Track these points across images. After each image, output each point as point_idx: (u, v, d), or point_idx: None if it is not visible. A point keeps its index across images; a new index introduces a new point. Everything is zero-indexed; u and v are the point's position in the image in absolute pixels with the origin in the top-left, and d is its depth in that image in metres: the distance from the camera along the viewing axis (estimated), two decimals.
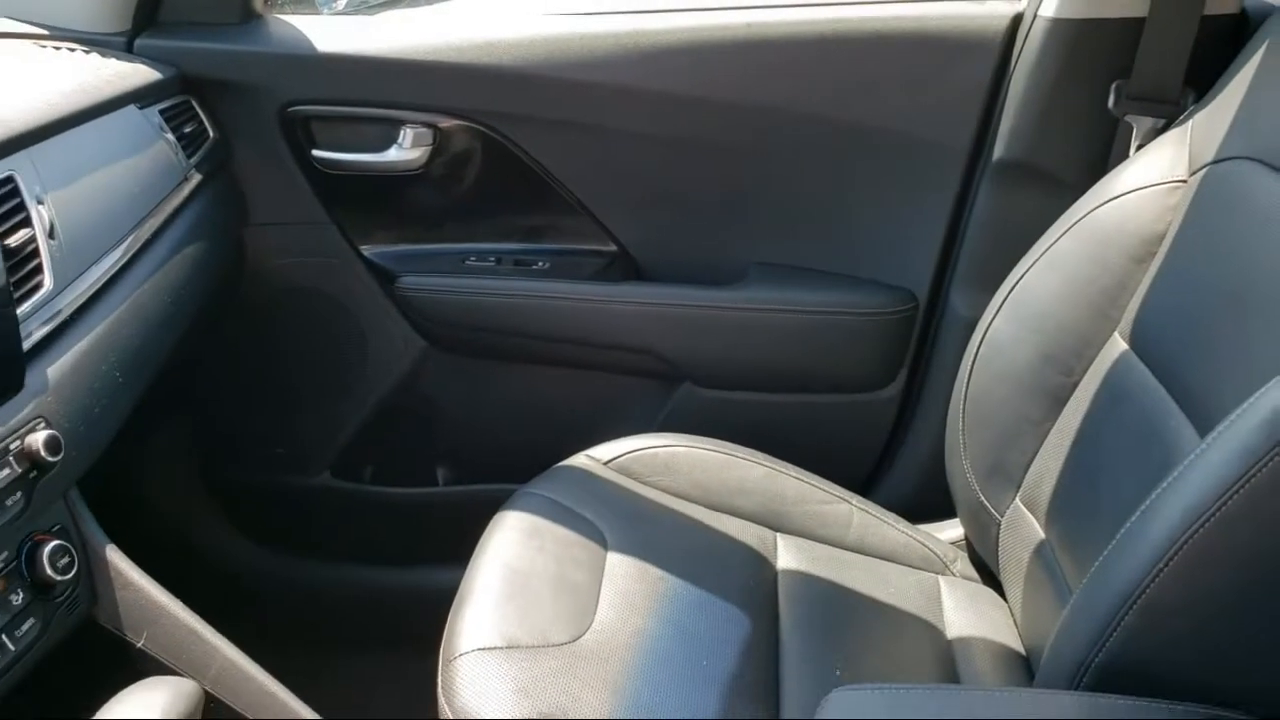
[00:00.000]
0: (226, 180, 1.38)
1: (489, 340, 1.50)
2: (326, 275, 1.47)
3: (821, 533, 1.21)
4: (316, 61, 1.36)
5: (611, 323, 1.46)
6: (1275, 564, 0.68)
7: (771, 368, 1.46)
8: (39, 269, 0.90)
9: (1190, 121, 1.08)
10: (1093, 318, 1.06)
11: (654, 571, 1.08)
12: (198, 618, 0.92)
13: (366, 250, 1.48)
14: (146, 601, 0.90)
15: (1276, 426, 0.66)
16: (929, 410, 1.42)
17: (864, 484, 1.47)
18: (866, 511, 1.24)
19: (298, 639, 1.13)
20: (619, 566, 1.08)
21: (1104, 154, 1.25)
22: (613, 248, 1.49)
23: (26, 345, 0.85)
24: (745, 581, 1.10)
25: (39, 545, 0.82)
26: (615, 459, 1.23)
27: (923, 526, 1.28)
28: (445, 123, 1.40)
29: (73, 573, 0.83)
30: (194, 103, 1.33)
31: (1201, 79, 1.14)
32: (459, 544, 1.15)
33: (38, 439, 0.80)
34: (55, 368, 0.87)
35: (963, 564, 1.23)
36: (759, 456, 1.26)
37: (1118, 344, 1.04)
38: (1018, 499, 1.11)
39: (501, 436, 1.57)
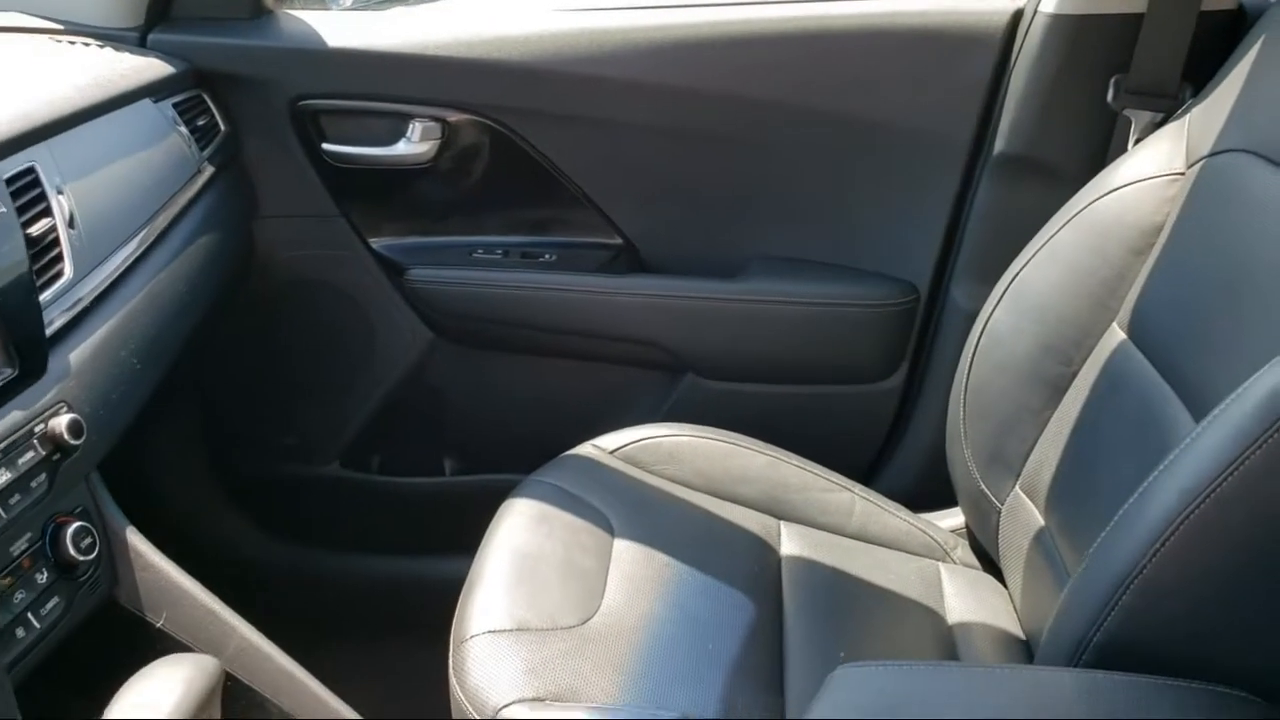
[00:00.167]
0: (237, 173, 1.40)
1: (496, 332, 1.51)
2: (335, 267, 1.49)
3: (824, 520, 1.22)
4: (327, 56, 1.37)
5: (617, 315, 1.47)
6: (1269, 545, 0.69)
7: (774, 359, 1.47)
8: (59, 258, 0.92)
9: (1188, 115, 1.09)
10: (1092, 308, 1.08)
11: (660, 557, 1.09)
12: (215, 598, 0.94)
13: (375, 243, 1.49)
14: (166, 582, 0.92)
15: (1270, 410, 0.67)
16: (930, 401, 1.43)
17: (866, 473, 1.49)
18: (868, 500, 1.26)
19: (307, 627, 1.15)
20: (625, 552, 1.10)
21: (1103, 147, 1.26)
22: (618, 241, 1.50)
23: (48, 332, 0.87)
24: (749, 567, 1.11)
25: (62, 527, 0.84)
26: (621, 448, 1.24)
27: (924, 515, 1.29)
28: (453, 117, 1.41)
29: (94, 553, 0.85)
30: (206, 96, 1.35)
31: (1199, 73, 1.15)
32: (466, 533, 1.16)
33: (61, 423, 0.82)
34: (76, 354, 0.89)
35: (963, 551, 1.25)
36: (762, 446, 1.27)
37: (1116, 334, 1.05)
38: (1017, 487, 1.12)
39: (508, 427, 1.58)
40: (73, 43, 1.24)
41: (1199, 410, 0.89)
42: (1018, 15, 1.31)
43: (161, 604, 0.91)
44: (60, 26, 1.28)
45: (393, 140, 1.42)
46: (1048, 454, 1.08)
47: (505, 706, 0.91)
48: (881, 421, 1.50)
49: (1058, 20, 1.25)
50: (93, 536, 0.85)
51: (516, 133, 1.42)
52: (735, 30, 1.35)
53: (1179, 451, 0.74)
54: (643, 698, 0.93)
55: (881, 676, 0.75)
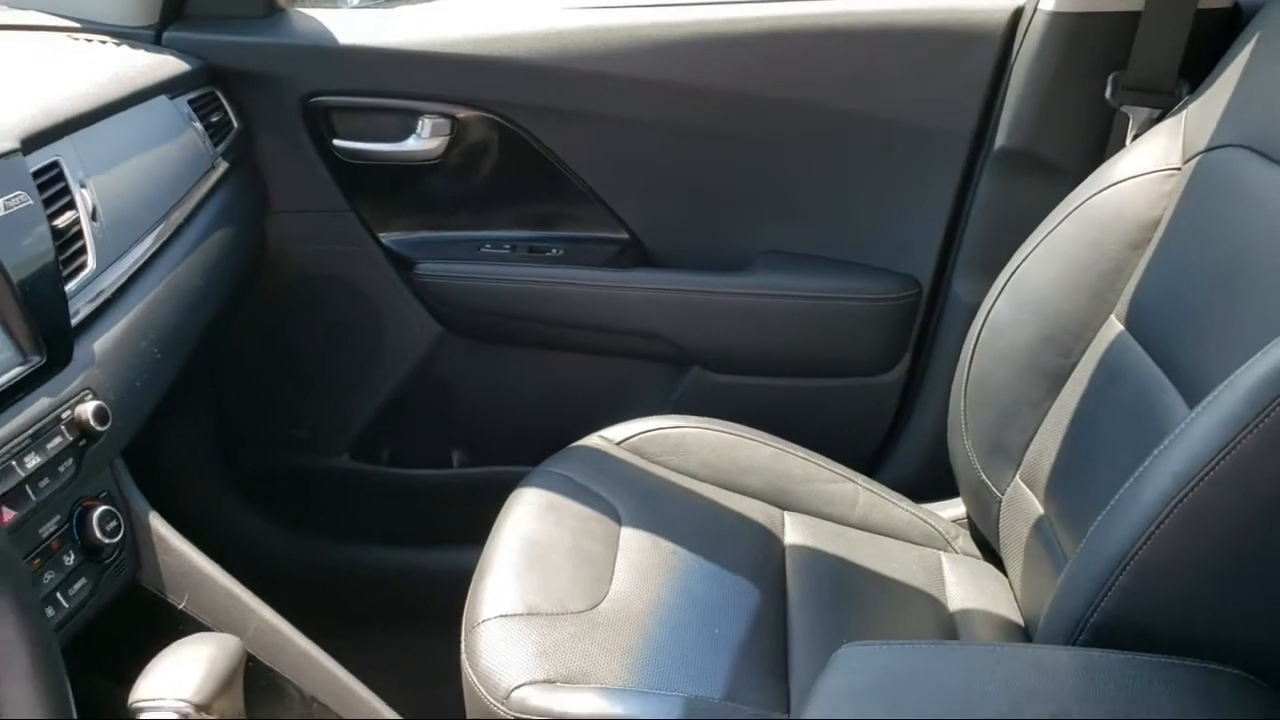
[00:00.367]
0: (250, 169, 1.42)
1: (504, 325, 1.53)
2: (345, 262, 1.51)
3: (827, 510, 1.23)
4: (338, 54, 1.39)
5: (623, 308, 1.49)
6: (1262, 526, 0.70)
7: (779, 352, 1.49)
8: (83, 250, 0.94)
9: (1184, 111, 1.11)
10: (1090, 301, 1.09)
11: (666, 545, 1.11)
12: (236, 581, 0.96)
13: (385, 238, 1.51)
14: (187, 565, 0.94)
15: (1261, 395, 0.69)
16: (932, 393, 1.44)
17: (869, 464, 1.50)
18: (871, 490, 1.27)
19: (317, 617, 1.16)
20: (633, 540, 1.11)
21: (1102, 143, 1.28)
22: (624, 235, 1.52)
23: (73, 321, 0.89)
24: (754, 556, 1.13)
25: (88, 510, 0.87)
26: (627, 439, 1.26)
27: (926, 505, 1.30)
28: (463, 113, 1.43)
29: (119, 536, 0.87)
30: (219, 93, 1.37)
31: (1195, 70, 1.16)
32: (474, 524, 1.18)
33: (87, 409, 0.85)
34: (100, 343, 0.91)
35: (964, 541, 1.26)
36: (766, 437, 1.29)
37: (1114, 326, 1.06)
38: (1018, 477, 1.13)
39: (516, 419, 1.59)
40: (90, 40, 1.26)
41: (1194, 399, 0.89)
42: (1018, 13, 1.32)
43: (183, 586, 0.93)
44: (78, 25, 1.30)
45: (402, 136, 1.44)
46: (1047, 444, 1.10)
47: (516, 688, 0.93)
48: (884, 413, 1.51)
49: (1057, 18, 1.26)
50: (118, 520, 0.87)
51: (524, 129, 1.44)
52: (740, 28, 1.37)
53: (1173, 437, 0.75)
54: (651, 680, 0.94)
55: (884, 655, 0.76)
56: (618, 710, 0.91)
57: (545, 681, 0.93)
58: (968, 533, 1.28)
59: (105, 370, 0.90)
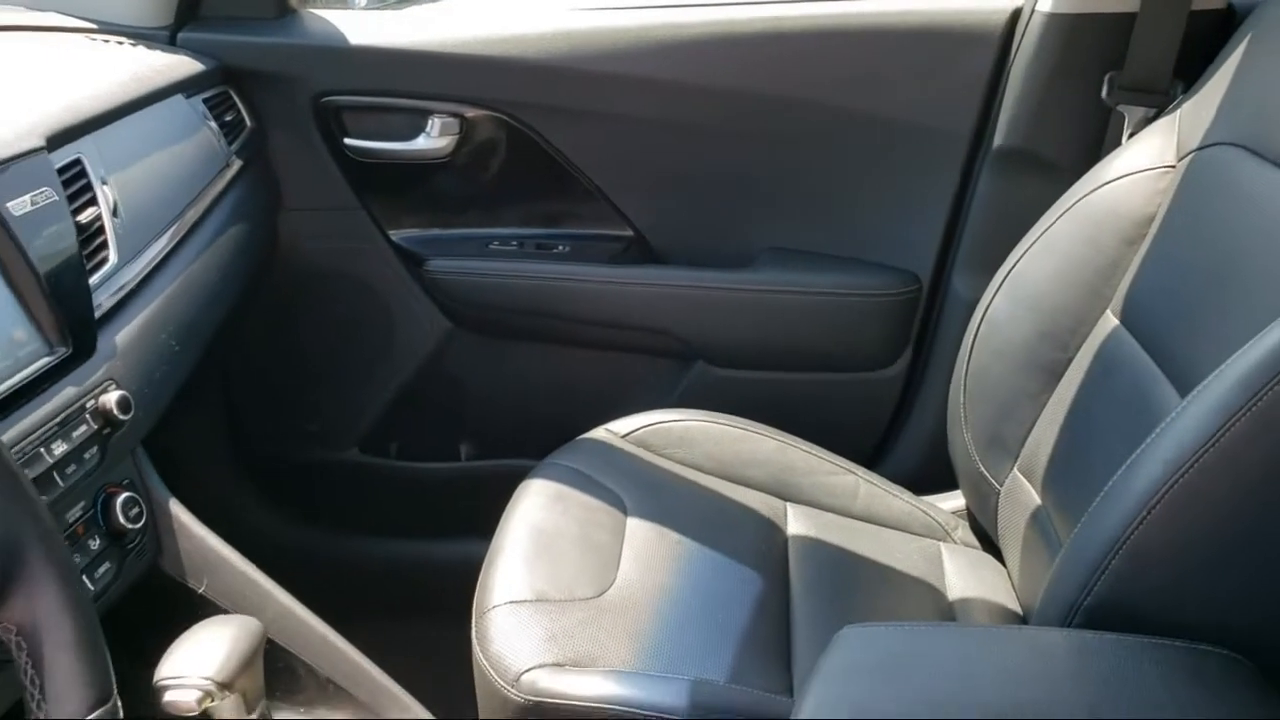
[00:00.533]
0: (262, 167, 1.44)
1: (511, 321, 1.55)
2: (356, 259, 1.52)
3: (829, 502, 1.25)
4: (349, 54, 1.41)
5: (628, 304, 1.51)
6: (1251, 512, 0.72)
7: (782, 347, 1.50)
8: (104, 245, 0.97)
9: (1179, 111, 1.12)
10: (1087, 296, 1.10)
11: (672, 535, 1.13)
12: (253, 567, 0.98)
13: (395, 235, 1.53)
14: (207, 551, 0.96)
15: (1250, 384, 0.70)
16: (932, 387, 1.46)
17: (870, 457, 1.51)
18: (872, 483, 1.29)
19: (327, 607, 1.18)
20: (639, 530, 1.13)
21: (1098, 141, 1.29)
22: (630, 232, 1.54)
23: (96, 314, 0.92)
24: (758, 546, 1.15)
25: (112, 497, 0.89)
26: (633, 432, 1.27)
27: (926, 497, 1.32)
28: (471, 113, 1.45)
29: (142, 522, 0.90)
30: (232, 93, 1.39)
31: (1190, 70, 1.18)
32: (482, 517, 1.20)
33: (110, 398, 0.87)
34: (122, 335, 0.94)
35: (963, 532, 1.27)
36: (770, 431, 1.30)
37: (1110, 320, 1.08)
38: (1016, 468, 1.15)
39: (523, 413, 1.61)
40: (107, 41, 1.29)
41: (1187, 391, 0.90)
42: (1016, 14, 1.34)
43: (203, 571, 0.96)
44: (95, 26, 1.33)
45: (412, 135, 1.46)
46: (1044, 436, 1.11)
47: (526, 671, 0.95)
48: (885, 407, 1.53)
49: (1054, 19, 1.28)
50: (140, 506, 0.90)
51: (532, 128, 1.46)
52: (744, 29, 1.38)
53: (1165, 425, 0.76)
54: (657, 663, 0.96)
55: (885, 635, 0.78)
56: (626, 692, 0.93)
57: (555, 665, 0.95)
58: (967, 524, 1.29)
59: (127, 361, 0.92)
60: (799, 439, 1.31)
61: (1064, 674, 0.73)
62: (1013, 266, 1.18)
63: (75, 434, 0.83)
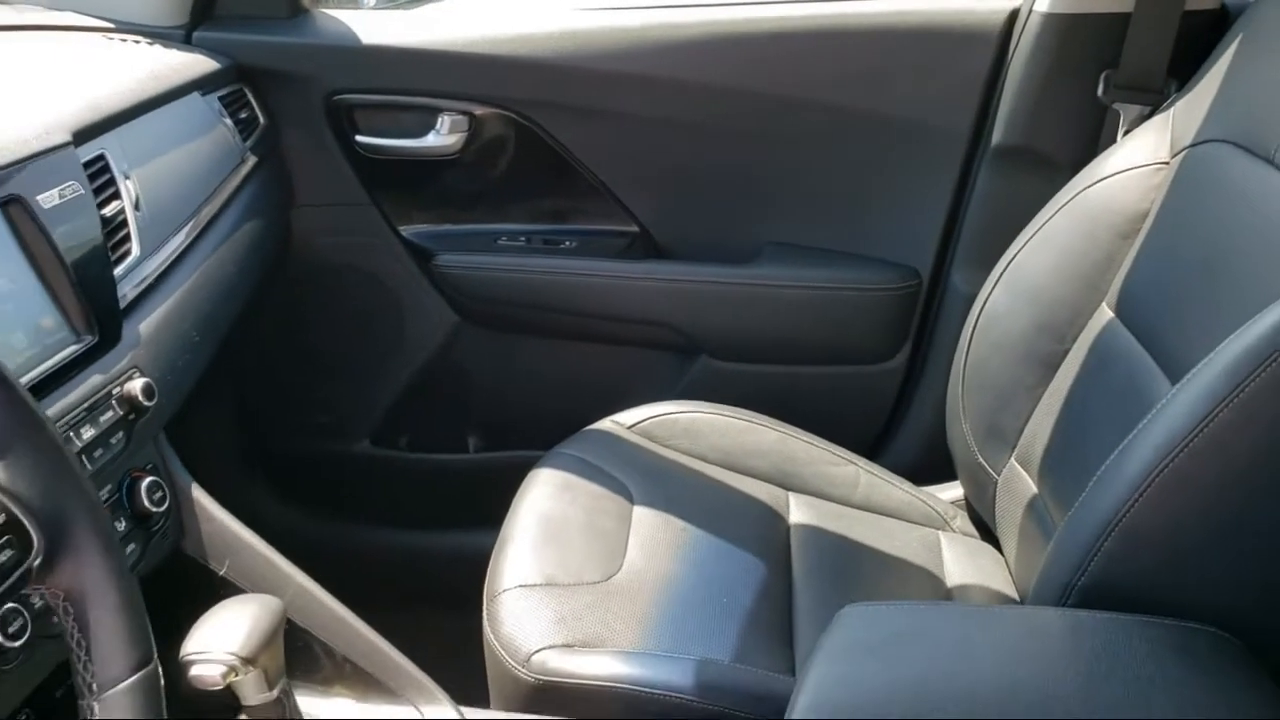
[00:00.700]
0: (276, 164, 1.46)
1: (519, 315, 1.57)
2: (367, 254, 1.55)
3: (830, 492, 1.27)
4: (361, 53, 1.43)
5: (633, 298, 1.53)
6: (1239, 495, 0.74)
7: (784, 340, 1.52)
8: (128, 237, 0.99)
9: (1172, 108, 1.14)
10: (1083, 289, 1.12)
11: (677, 523, 1.15)
12: (273, 549, 1.01)
13: (405, 230, 1.55)
14: (227, 534, 0.99)
15: (1237, 371, 0.72)
16: (931, 380, 1.48)
17: (871, 448, 1.53)
18: (872, 473, 1.31)
19: (339, 597, 1.20)
20: (645, 518, 1.16)
21: (1094, 138, 1.31)
22: (635, 228, 1.56)
23: (121, 304, 0.94)
24: (760, 534, 1.17)
25: (136, 481, 0.92)
26: (638, 423, 1.30)
27: (925, 487, 1.34)
28: (480, 110, 1.47)
29: (165, 506, 0.92)
30: (247, 91, 1.41)
31: (1183, 69, 1.20)
32: (491, 507, 1.22)
33: (135, 385, 0.90)
34: (145, 325, 0.97)
35: (962, 521, 1.30)
36: (772, 422, 1.32)
37: (1105, 313, 1.10)
38: (1013, 458, 1.17)
39: (530, 406, 1.63)
40: (124, 40, 1.31)
41: (1177, 378, 0.93)
42: (1014, 14, 1.36)
43: (224, 553, 0.98)
44: (112, 25, 1.35)
45: (422, 133, 1.48)
46: (1041, 426, 1.13)
47: (537, 652, 0.97)
48: (885, 399, 1.54)
49: (1051, 19, 1.30)
50: (163, 490, 0.93)
51: (539, 126, 1.48)
52: (746, 28, 1.41)
53: (1156, 411, 0.79)
54: (664, 644, 0.99)
55: (885, 614, 0.80)
56: (634, 671, 0.96)
57: (564, 645, 0.98)
58: (965, 513, 1.32)
59: (150, 350, 0.95)
60: (801, 430, 1.33)
61: (1058, 651, 0.75)
62: (1011, 261, 1.20)
63: (102, 419, 0.86)
